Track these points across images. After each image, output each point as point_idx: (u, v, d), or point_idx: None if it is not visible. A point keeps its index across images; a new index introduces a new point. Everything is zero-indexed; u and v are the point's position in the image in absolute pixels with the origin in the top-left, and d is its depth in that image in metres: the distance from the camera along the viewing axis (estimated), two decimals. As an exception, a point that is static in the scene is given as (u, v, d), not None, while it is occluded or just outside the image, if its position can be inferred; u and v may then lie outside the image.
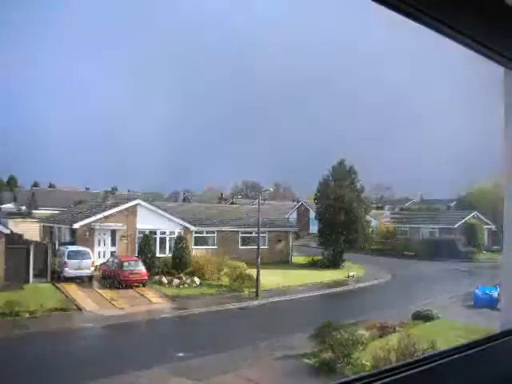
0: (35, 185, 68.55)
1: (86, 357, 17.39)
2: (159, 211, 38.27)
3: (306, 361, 17.42)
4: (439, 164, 52.39)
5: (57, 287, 28.22)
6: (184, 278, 31.05)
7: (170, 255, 34.75)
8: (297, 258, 44.03)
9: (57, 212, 44.69)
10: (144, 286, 29.40)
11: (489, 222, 54.33)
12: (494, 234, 53.68)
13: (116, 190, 48.68)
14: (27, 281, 28.23)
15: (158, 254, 35.44)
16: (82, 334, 21.29)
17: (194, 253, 35.83)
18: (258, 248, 31.92)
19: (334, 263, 40.39)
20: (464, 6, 1.66)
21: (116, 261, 31.22)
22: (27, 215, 48.04)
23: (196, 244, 39.46)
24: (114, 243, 36.31)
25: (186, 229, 38.54)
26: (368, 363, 15.95)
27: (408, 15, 1.66)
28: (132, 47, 51.15)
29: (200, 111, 57.82)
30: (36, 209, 50.28)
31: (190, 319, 24.38)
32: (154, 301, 27.14)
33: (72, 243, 34.18)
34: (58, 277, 29.67)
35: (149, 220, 37.34)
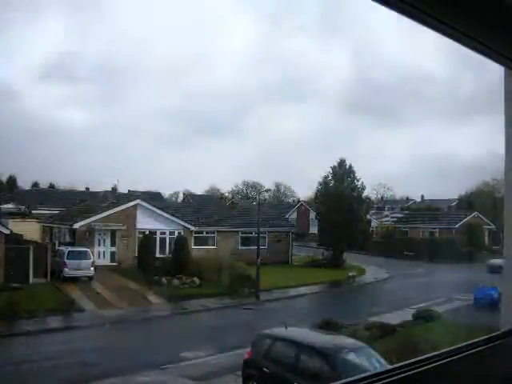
0: (35, 185, 68.53)
1: (83, 358, 17.36)
2: (159, 211, 38.27)
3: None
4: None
5: (56, 287, 28.22)
6: (184, 279, 31.04)
7: (170, 255, 34.74)
8: (297, 258, 44.04)
9: (57, 212, 44.71)
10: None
11: (489, 222, 54.37)
12: (494, 234, 53.70)
13: (116, 189, 48.61)
14: (27, 281, 28.24)
15: (157, 254, 35.45)
16: (80, 334, 21.27)
17: (193, 253, 35.82)
18: (258, 248, 31.90)
19: (333, 263, 40.39)
20: (464, 6, 1.66)
21: None
22: (27, 215, 48.00)
23: (196, 244, 39.47)
24: (113, 243, 36.31)
25: (185, 229, 38.54)
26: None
27: (408, 15, 1.66)
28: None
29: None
30: (36, 209, 50.25)
31: (190, 319, 24.38)
32: (154, 301, 27.14)
33: (72, 243, 34.18)
34: (57, 277, 29.68)
35: (149, 220, 37.36)
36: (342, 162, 43.64)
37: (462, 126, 73.30)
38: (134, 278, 31.78)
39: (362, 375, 1.70)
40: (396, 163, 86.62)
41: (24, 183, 71.89)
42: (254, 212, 40.85)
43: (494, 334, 2.20)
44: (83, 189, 62.03)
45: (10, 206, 54.45)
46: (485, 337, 2.13)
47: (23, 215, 47.89)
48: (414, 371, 1.77)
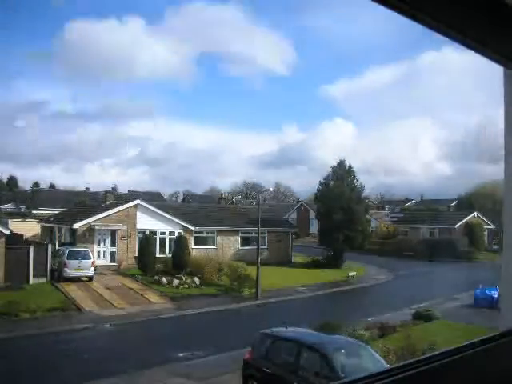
0: (35, 185, 68.62)
1: (81, 357, 17.36)
2: (159, 211, 38.26)
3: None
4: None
5: (56, 287, 28.23)
6: (184, 279, 31.03)
7: (170, 255, 34.74)
8: (297, 258, 44.03)
9: (57, 212, 44.74)
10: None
11: (489, 222, 54.38)
12: (494, 233, 53.74)
13: (116, 189, 48.67)
14: (27, 281, 28.27)
15: (157, 254, 35.44)
16: (80, 334, 21.24)
17: (193, 253, 35.82)
18: (258, 248, 31.86)
19: (333, 263, 40.39)
20: (464, 6, 1.66)
21: None
22: (27, 215, 48.06)
23: (196, 244, 39.48)
24: (113, 243, 36.32)
25: (185, 229, 38.54)
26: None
27: (407, 15, 1.66)
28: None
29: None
30: (36, 209, 50.30)
31: (190, 319, 24.37)
32: (154, 301, 27.13)
33: (72, 243, 34.19)
34: (58, 277, 29.68)
35: (149, 220, 37.38)
36: (342, 162, 43.59)
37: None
38: (134, 277, 31.82)
39: (362, 375, 1.69)
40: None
41: (24, 183, 71.96)
42: (253, 212, 40.83)
43: (493, 334, 2.20)
44: (83, 189, 62.15)
45: (10, 205, 54.54)
46: (484, 337, 2.13)
47: (23, 215, 47.97)
48: (413, 371, 1.76)
